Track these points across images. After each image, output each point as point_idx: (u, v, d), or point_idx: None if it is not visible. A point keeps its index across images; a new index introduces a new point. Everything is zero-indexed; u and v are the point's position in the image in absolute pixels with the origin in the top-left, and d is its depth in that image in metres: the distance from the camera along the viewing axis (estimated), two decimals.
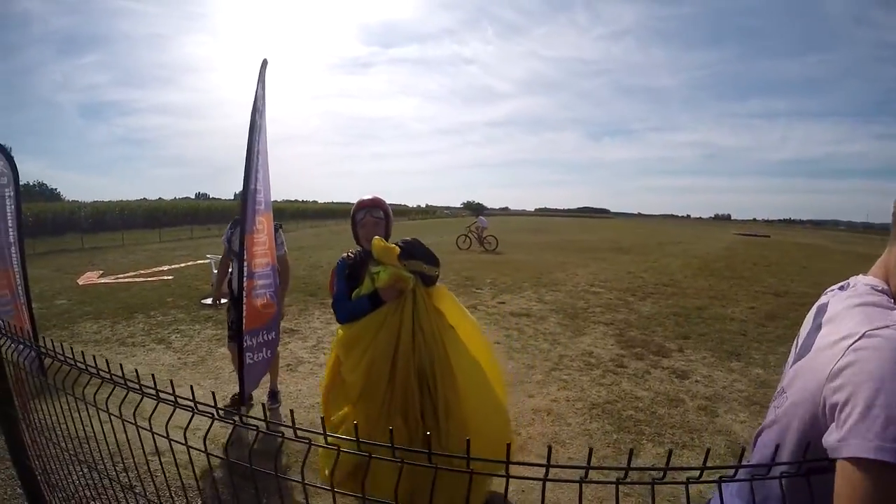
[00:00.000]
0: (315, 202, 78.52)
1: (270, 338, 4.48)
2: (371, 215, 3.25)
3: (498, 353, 6.68)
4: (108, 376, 1.45)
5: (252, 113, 3.97)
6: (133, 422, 1.43)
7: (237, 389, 4.59)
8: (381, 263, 3.02)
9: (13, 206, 5.14)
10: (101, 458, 1.95)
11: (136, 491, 1.91)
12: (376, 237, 3.03)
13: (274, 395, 5.24)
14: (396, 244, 3.04)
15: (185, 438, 1.29)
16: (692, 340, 7.47)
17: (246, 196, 3.97)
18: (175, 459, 1.63)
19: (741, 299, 10.82)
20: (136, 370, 1.41)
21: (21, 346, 1.84)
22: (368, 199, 3.30)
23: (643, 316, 9.08)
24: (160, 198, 60.60)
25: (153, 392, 1.28)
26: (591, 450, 0.92)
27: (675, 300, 10.58)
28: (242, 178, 3.94)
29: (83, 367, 1.55)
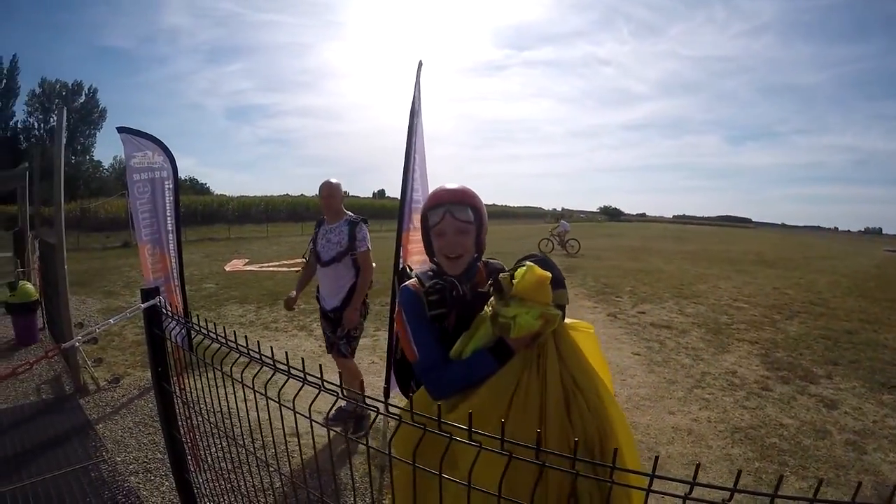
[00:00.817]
0: None
1: None
2: (453, 216, 1.94)
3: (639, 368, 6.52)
4: (255, 355, 1.49)
5: (410, 115, 4.12)
6: (277, 400, 1.46)
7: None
8: (513, 300, 1.79)
9: (172, 198, 5.64)
10: (242, 433, 2.02)
11: (273, 468, 1.96)
12: (531, 264, 1.81)
13: (360, 418, 4.78)
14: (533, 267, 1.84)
15: (327, 420, 1.29)
16: (842, 367, 6.87)
17: (404, 195, 4.13)
18: (314, 442, 1.65)
19: (895, 325, 9.89)
20: (271, 350, 1.43)
21: (173, 324, 1.94)
22: (448, 191, 1.99)
23: (790, 336, 8.48)
24: (302, 194, 63.89)
25: (301, 375, 1.29)
26: (781, 476, 0.81)
27: (824, 321, 9.79)
28: (400, 178, 4.12)
29: (227, 343, 1.61)
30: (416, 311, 1.92)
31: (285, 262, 15.92)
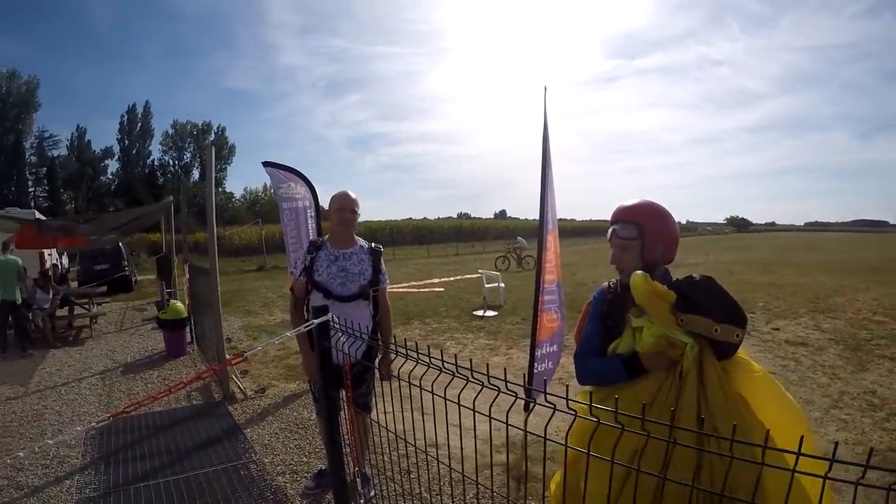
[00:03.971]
0: (573, 220, 78.36)
1: (553, 350, 4.83)
2: (616, 233, 2.14)
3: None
4: (427, 358, 1.72)
5: (543, 140, 4.47)
6: (443, 397, 1.66)
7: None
8: (645, 313, 1.88)
9: (314, 225, 6.18)
10: (423, 439, 2.26)
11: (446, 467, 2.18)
12: (638, 273, 1.90)
13: (366, 478, 3.75)
14: (671, 286, 1.89)
15: (490, 414, 1.47)
16: None
17: (541, 219, 4.50)
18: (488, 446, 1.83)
19: None
20: (455, 358, 1.63)
21: (343, 337, 2.23)
22: (618, 209, 2.17)
23: None
24: (424, 217, 66.26)
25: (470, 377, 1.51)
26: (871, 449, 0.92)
27: None
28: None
29: (408, 355, 1.85)
30: (596, 308, 2.23)
31: (414, 283, 16.62)
